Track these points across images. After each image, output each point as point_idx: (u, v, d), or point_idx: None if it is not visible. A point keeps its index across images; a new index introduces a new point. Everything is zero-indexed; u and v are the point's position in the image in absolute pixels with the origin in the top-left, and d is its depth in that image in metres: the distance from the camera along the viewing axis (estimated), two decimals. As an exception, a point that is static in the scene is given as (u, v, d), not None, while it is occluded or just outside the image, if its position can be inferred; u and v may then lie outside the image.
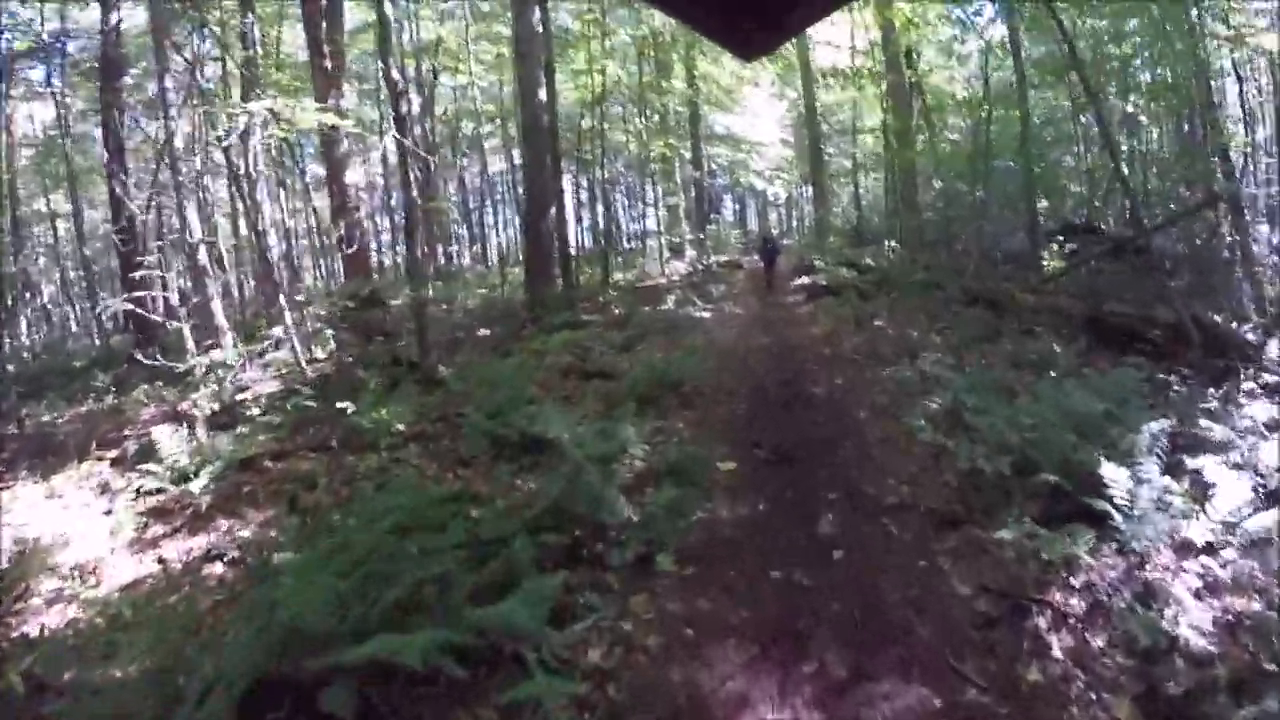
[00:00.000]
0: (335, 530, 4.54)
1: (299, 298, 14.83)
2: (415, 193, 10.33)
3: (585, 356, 10.75)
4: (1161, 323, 9.85)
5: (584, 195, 24.57)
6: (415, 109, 22.36)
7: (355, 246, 12.03)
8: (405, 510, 4.47)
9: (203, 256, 16.22)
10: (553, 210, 14.41)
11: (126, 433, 8.96)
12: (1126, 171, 15.92)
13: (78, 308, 28.61)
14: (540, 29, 14.26)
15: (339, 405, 8.17)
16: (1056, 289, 14.17)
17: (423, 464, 7.15)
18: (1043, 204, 19.95)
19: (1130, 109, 18.99)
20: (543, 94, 14.20)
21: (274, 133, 9.72)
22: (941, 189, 23.86)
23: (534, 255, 14.57)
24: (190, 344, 10.25)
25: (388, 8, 10.94)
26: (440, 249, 28.71)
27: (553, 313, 13.69)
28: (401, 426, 7.73)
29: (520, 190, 18.77)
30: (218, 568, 5.55)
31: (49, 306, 29.20)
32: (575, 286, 14.57)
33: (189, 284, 17.63)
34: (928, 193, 23.63)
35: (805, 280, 19.61)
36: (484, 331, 14.48)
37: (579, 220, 23.90)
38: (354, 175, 12.08)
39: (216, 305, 15.66)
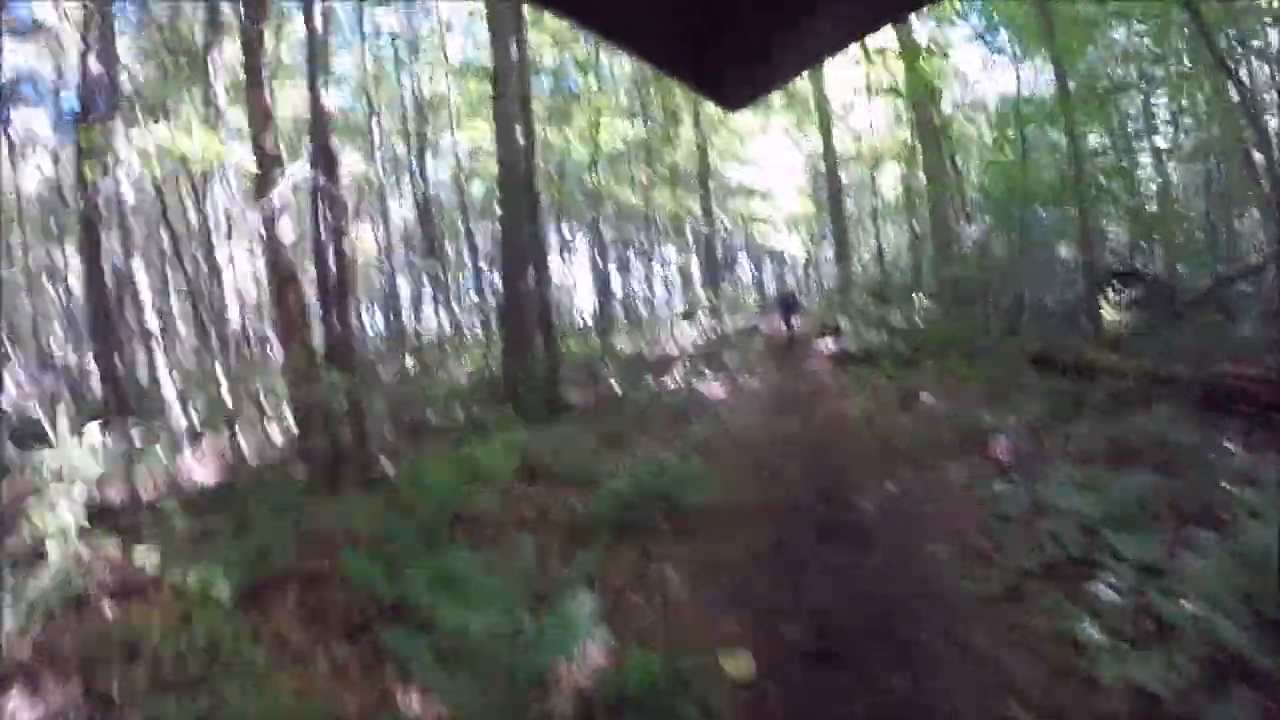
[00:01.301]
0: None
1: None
2: (343, 245, 8.25)
3: (555, 458, 8.41)
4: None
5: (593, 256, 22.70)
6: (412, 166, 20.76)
7: (291, 312, 9.89)
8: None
9: (149, 319, 14.31)
10: (531, 270, 12.26)
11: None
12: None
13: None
14: (517, 60, 12.35)
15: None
16: (1120, 346, 11.89)
17: (284, 633, 4.83)
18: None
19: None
20: (520, 135, 12.20)
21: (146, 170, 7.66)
22: (976, 236, 21.81)
23: (512, 324, 12.44)
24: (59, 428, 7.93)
25: (317, 20, 9.02)
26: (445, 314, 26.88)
27: (531, 393, 11.45)
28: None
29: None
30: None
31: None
32: (557, 360, 12.31)
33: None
34: (958, 242, 21.50)
35: (830, 344, 17.31)
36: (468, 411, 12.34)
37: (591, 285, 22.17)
38: (289, 230, 9.99)
39: (163, 374, 13.67)
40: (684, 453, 8.52)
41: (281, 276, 10.06)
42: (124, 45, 14.07)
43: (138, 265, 12.82)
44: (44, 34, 15.76)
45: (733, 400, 12.57)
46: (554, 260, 27.72)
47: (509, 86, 12.33)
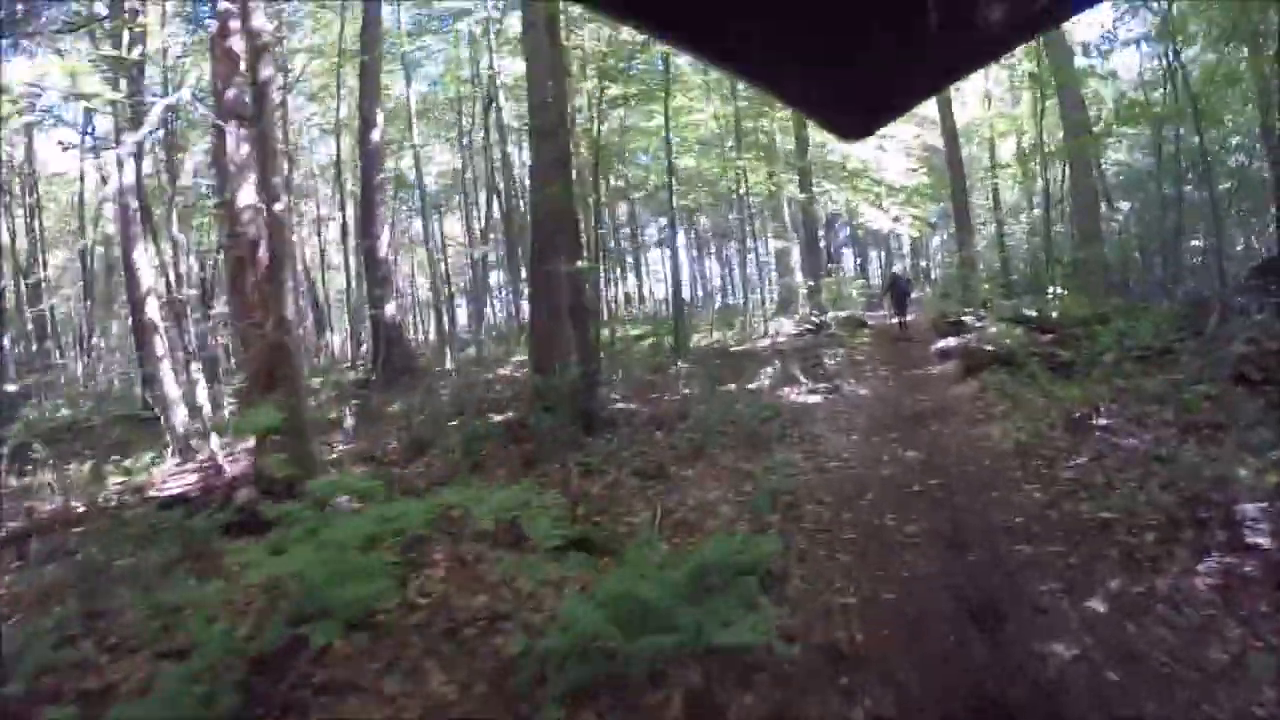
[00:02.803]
0: None
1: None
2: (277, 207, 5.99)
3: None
4: None
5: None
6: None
7: (248, 299, 7.70)
8: None
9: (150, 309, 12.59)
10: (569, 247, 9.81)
11: None
12: None
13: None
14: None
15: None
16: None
17: None
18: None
19: None
20: (550, 92, 9.78)
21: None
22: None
23: (538, 316, 10.05)
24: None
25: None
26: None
27: (561, 407, 9.02)
28: None
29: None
30: None
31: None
32: (594, 363, 9.72)
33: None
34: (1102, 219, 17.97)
35: (953, 342, 14.22)
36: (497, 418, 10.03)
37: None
38: (247, 194, 7.81)
39: (165, 367, 11.93)
40: (753, 508, 5.92)
41: (235, 255, 7.93)
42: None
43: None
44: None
45: (831, 415, 9.79)
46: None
47: (538, 13, 9.91)
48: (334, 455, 10.07)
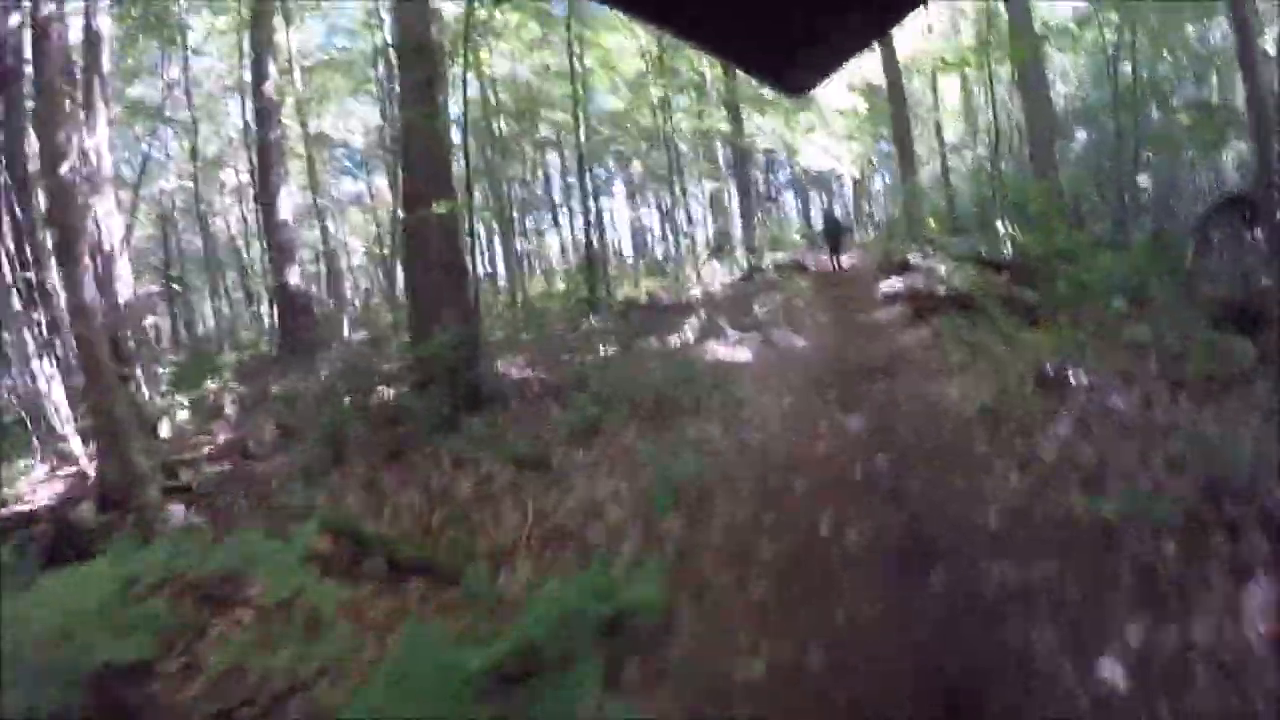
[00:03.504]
0: None
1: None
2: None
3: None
4: None
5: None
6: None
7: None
8: None
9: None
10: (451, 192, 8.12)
11: None
12: None
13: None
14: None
15: None
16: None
17: None
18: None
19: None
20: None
21: None
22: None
23: (415, 275, 8.40)
24: None
25: None
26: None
27: (443, 381, 7.44)
28: None
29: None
30: None
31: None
32: (474, 328, 8.07)
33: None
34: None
35: (898, 284, 12.87)
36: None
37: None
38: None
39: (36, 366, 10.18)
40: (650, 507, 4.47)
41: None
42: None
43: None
44: None
45: (762, 372, 8.34)
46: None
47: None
48: (208, 449, 8.51)
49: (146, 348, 15.62)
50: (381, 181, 29.56)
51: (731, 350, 9.49)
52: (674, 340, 10.40)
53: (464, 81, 8.58)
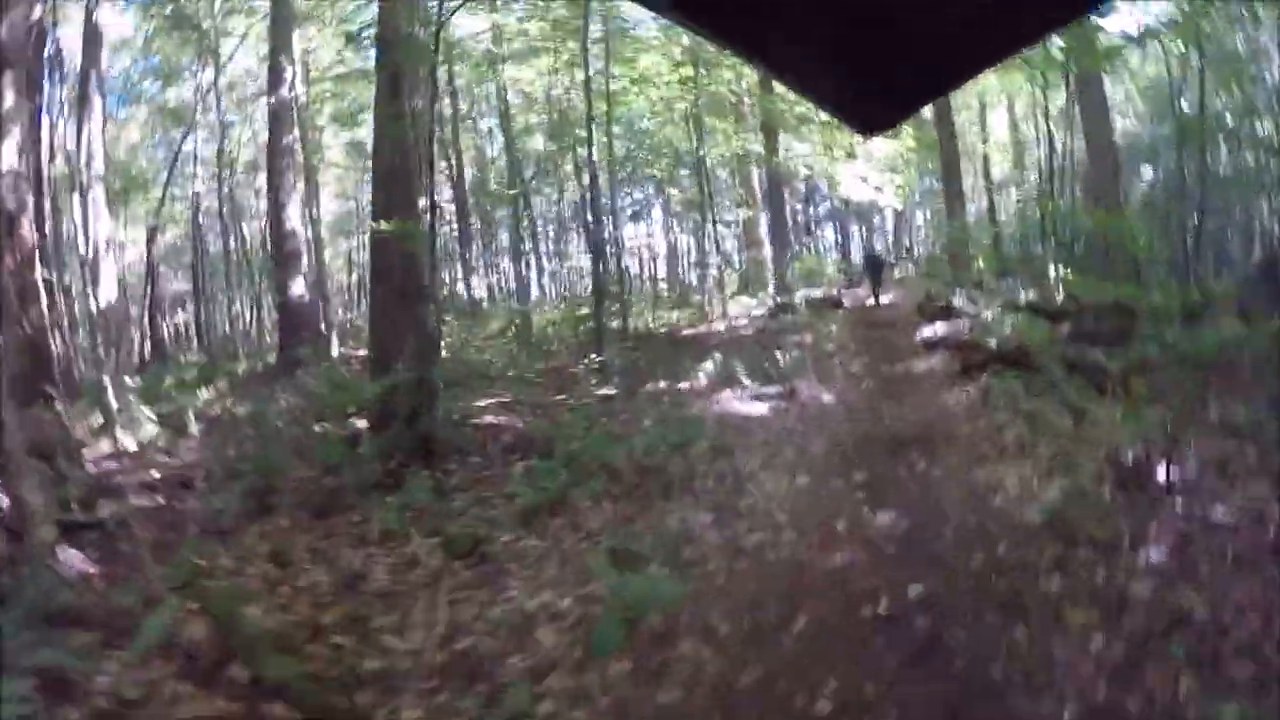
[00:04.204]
0: None
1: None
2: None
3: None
4: None
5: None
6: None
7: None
8: None
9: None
10: (421, 206, 6.99)
11: None
12: None
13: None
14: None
15: None
16: None
17: None
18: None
19: None
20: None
21: None
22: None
23: (379, 299, 7.28)
24: None
25: None
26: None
27: (404, 432, 6.29)
28: None
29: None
30: None
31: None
32: (429, 372, 6.86)
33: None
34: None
35: (941, 329, 11.52)
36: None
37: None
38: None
39: None
40: (593, 640, 3.26)
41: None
42: None
43: None
44: None
45: (776, 437, 7.04)
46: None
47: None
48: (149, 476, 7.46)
49: (125, 354, 14.85)
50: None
51: (746, 404, 8.22)
52: (684, 385, 9.17)
53: (432, 78, 7.43)
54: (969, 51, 0.54)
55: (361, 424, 7.78)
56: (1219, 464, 5.13)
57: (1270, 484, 4.84)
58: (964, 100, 23.64)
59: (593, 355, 10.48)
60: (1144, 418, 5.60)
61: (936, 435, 6.48)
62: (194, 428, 9.32)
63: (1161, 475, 4.93)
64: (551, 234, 29.79)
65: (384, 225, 6.36)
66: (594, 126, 12.49)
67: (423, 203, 7.65)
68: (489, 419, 7.53)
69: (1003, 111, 25.47)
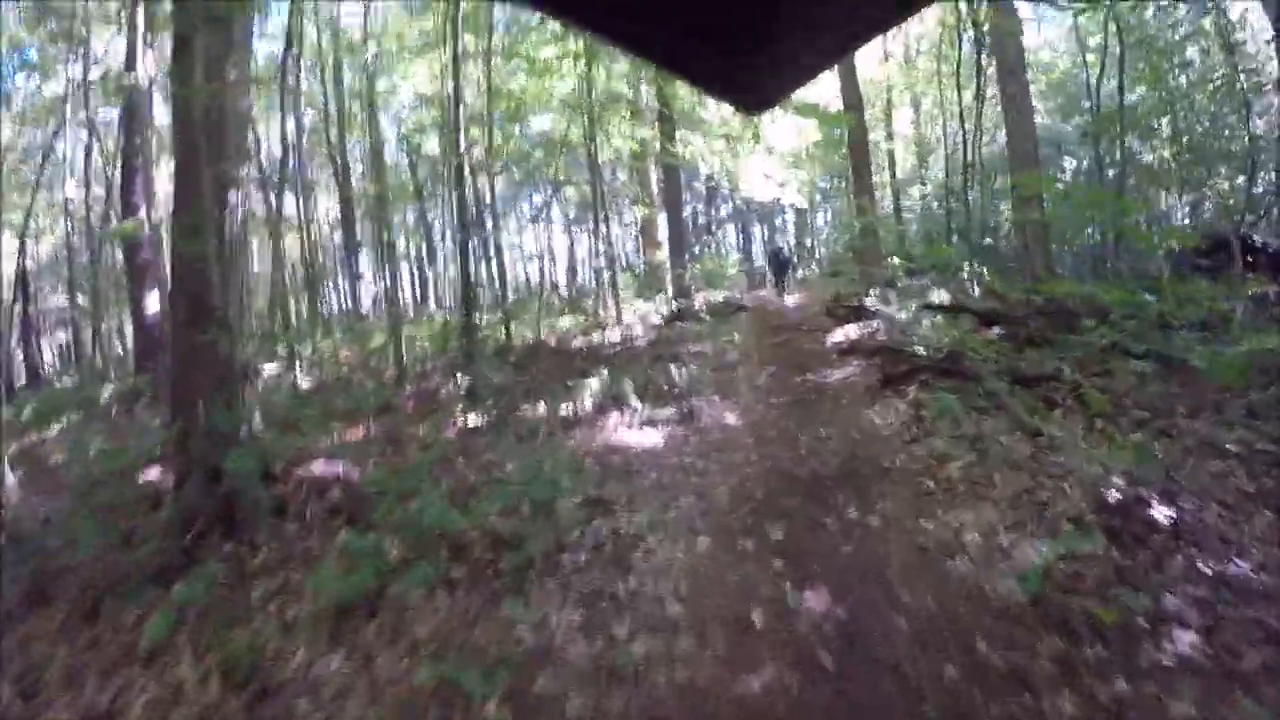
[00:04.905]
0: None
1: None
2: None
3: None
4: None
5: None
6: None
7: None
8: None
9: None
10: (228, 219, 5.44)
11: None
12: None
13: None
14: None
15: None
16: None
17: None
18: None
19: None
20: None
21: None
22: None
23: (180, 321, 5.65)
24: None
25: None
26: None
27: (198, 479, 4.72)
28: None
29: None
30: None
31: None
32: (227, 395, 5.28)
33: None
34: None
35: (855, 332, 10.48)
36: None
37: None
38: None
39: None
40: None
41: None
42: None
43: None
44: None
45: (671, 480, 5.69)
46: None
47: None
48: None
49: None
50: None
51: (636, 433, 6.88)
52: (566, 408, 7.78)
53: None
54: (856, 19, 0.50)
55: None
56: (1213, 494, 4.09)
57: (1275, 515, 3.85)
58: (870, 97, 23.20)
59: (456, 377, 8.97)
60: (1136, 447, 4.49)
61: (865, 469, 5.25)
62: (10, 478, 7.41)
63: (1162, 517, 3.82)
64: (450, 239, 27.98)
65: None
66: (461, 113, 10.93)
67: (234, 198, 6.04)
68: (319, 468, 5.97)
69: (908, 109, 25.24)
